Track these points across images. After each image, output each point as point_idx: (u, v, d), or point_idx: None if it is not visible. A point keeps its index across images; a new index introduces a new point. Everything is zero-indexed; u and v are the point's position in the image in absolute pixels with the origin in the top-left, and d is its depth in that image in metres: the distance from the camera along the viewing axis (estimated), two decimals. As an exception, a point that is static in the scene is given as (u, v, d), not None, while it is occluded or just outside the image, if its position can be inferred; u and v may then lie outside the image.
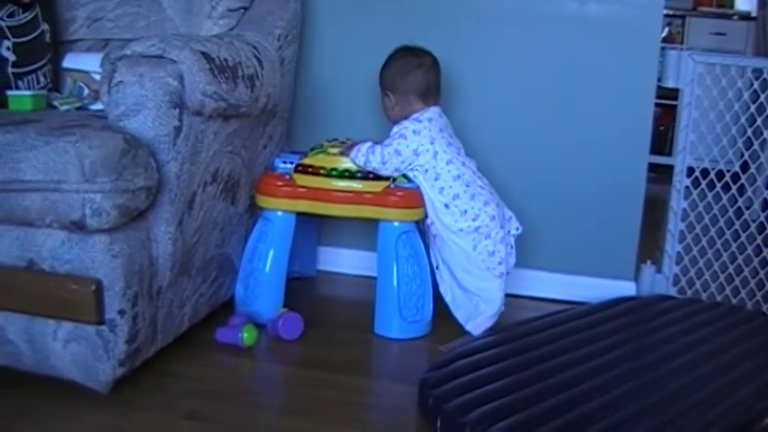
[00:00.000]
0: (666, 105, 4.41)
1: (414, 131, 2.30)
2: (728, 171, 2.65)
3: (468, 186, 2.29)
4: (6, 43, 2.37)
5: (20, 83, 2.39)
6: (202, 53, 1.97)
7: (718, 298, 2.63)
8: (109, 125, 1.85)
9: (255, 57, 2.24)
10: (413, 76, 2.36)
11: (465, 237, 2.28)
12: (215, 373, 2.06)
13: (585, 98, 2.64)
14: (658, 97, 2.70)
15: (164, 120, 1.87)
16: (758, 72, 2.70)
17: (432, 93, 2.38)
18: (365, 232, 2.48)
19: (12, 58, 2.39)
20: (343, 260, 2.85)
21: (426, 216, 2.32)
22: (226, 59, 2.05)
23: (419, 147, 2.29)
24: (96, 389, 1.86)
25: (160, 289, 1.96)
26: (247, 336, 2.16)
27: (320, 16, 2.78)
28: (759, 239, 2.63)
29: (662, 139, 5.04)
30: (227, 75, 2.04)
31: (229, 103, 2.06)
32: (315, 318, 2.37)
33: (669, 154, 2.54)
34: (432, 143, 2.29)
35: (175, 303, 2.06)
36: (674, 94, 2.61)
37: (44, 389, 1.89)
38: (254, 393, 2.04)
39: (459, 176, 2.29)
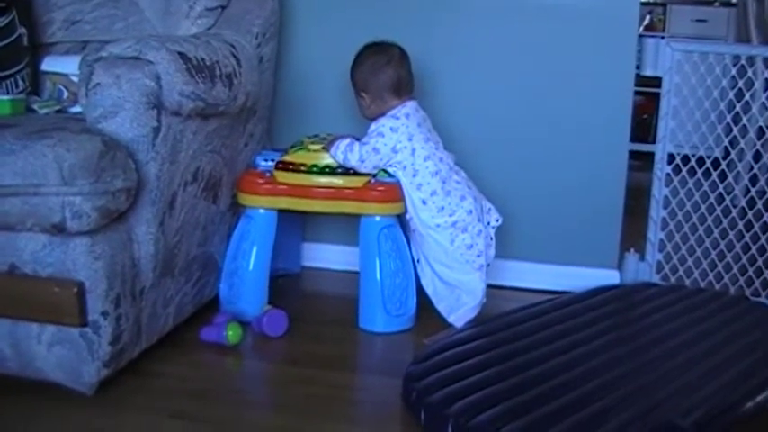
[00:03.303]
0: (649, 93, 4.41)
1: (391, 129, 2.30)
2: (709, 157, 2.66)
3: (444, 183, 2.30)
4: (-17, 48, 2.38)
5: (-2, 87, 2.40)
6: (179, 53, 1.97)
7: (702, 284, 2.64)
8: (87, 128, 1.85)
9: (233, 55, 2.24)
10: (383, 73, 2.35)
11: (442, 232, 2.29)
12: (200, 372, 2.06)
13: (565, 88, 2.65)
14: (641, 85, 2.72)
15: (142, 121, 1.88)
16: (736, 58, 2.71)
17: (404, 86, 2.38)
18: (348, 228, 2.48)
19: (-11, 62, 2.39)
20: (327, 256, 2.86)
21: (406, 211, 2.33)
22: (203, 59, 2.06)
23: (397, 144, 2.29)
24: (81, 390, 1.86)
25: (143, 289, 1.97)
26: (232, 334, 2.16)
27: (298, 13, 2.78)
28: (740, 225, 2.64)
29: (645, 127, 5.05)
30: (204, 74, 2.04)
31: (207, 102, 2.06)
32: (300, 314, 2.37)
33: (652, 142, 2.55)
34: (410, 140, 2.30)
35: (159, 303, 2.06)
36: (656, 82, 2.61)
37: (29, 392, 1.90)
38: (240, 391, 2.04)
39: (436, 173, 2.30)
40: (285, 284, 2.63)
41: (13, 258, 1.81)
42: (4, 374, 1.90)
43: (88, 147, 1.72)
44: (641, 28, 5.65)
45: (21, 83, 2.45)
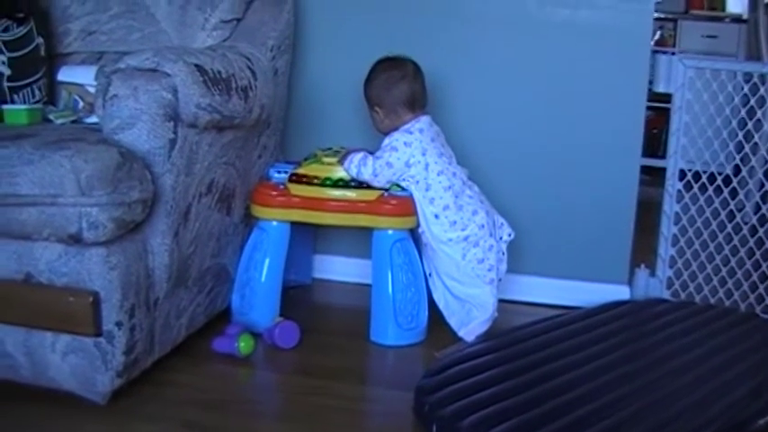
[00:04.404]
0: (660, 108, 4.42)
1: (405, 143, 2.31)
2: (720, 174, 2.67)
3: (457, 197, 2.31)
4: (1, 58, 2.39)
5: (15, 97, 2.41)
6: (196, 66, 1.99)
7: (712, 300, 2.64)
8: (104, 139, 1.87)
9: (249, 68, 2.25)
10: (398, 88, 2.36)
11: (454, 246, 2.30)
12: (212, 382, 2.07)
13: (577, 103, 2.66)
14: (652, 100, 2.72)
15: (158, 132, 1.89)
16: (748, 75, 2.71)
17: (418, 101, 2.39)
18: (360, 240, 2.49)
19: (7, 72, 2.41)
20: (338, 268, 2.86)
21: (418, 225, 2.33)
22: (219, 72, 2.07)
23: (410, 158, 2.30)
24: (95, 400, 1.87)
25: (157, 300, 1.98)
26: (244, 345, 2.17)
27: (313, 26, 2.79)
28: (751, 242, 2.64)
29: (656, 142, 5.05)
30: (220, 87, 2.05)
31: (223, 114, 2.08)
32: (311, 326, 2.38)
33: (663, 157, 2.55)
34: (423, 154, 2.31)
35: (172, 314, 2.07)
36: (667, 97, 2.62)
37: (43, 401, 1.91)
38: (252, 402, 2.05)
39: (449, 187, 2.30)
40: (296, 296, 2.64)
41: (29, 267, 1.82)
42: (19, 382, 1.91)
43: (105, 158, 1.74)
44: (652, 43, 5.65)
45: (37, 92, 2.47)
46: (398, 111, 2.37)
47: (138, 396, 1.95)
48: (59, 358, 1.84)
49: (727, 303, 2.63)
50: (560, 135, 2.68)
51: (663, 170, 2.67)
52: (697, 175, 2.66)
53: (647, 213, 2.80)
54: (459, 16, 2.70)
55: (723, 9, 5.90)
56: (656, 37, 5.77)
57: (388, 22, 2.74)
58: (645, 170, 2.72)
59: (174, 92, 1.91)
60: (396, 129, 2.36)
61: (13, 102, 2.39)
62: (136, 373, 1.94)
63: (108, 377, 1.84)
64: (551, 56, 2.66)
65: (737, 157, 2.75)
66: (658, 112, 4.71)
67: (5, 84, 2.40)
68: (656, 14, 5.52)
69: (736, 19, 5.62)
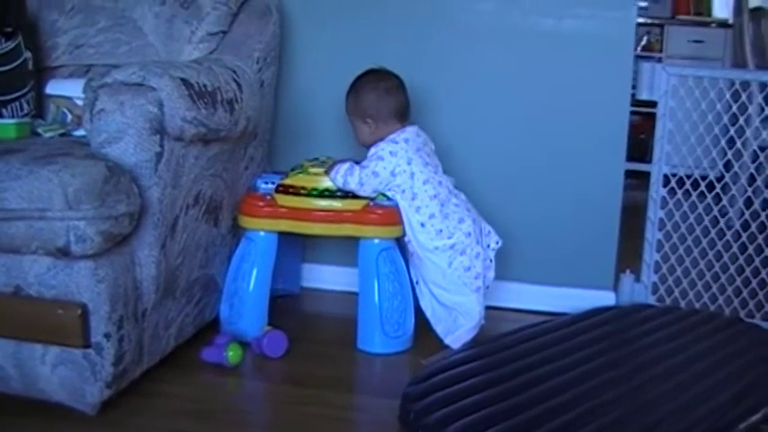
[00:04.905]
0: (646, 114, 4.44)
1: (391, 153, 2.33)
2: (704, 179, 2.69)
3: (443, 206, 2.33)
4: (-11, 72, 2.41)
5: (3, 111, 2.42)
6: (182, 80, 2.01)
7: (697, 305, 2.66)
8: (91, 153, 1.89)
9: (235, 81, 2.27)
10: (393, 98, 2.40)
11: (440, 254, 2.32)
12: (201, 392, 2.09)
13: (561, 111, 2.68)
14: (638, 105, 2.74)
15: (145, 146, 1.91)
16: (731, 82, 2.74)
17: (406, 111, 2.43)
18: (348, 249, 2.50)
19: (-5, 86, 2.42)
20: (326, 277, 2.88)
21: (404, 234, 2.35)
22: (205, 85, 2.09)
23: (396, 168, 2.32)
24: (85, 411, 1.89)
25: (145, 311, 2.00)
26: (232, 354, 2.19)
27: (299, 38, 2.81)
28: (735, 247, 2.67)
29: (642, 147, 5.06)
30: (206, 100, 2.07)
31: (209, 127, 2.10)
32: (299, 334, 2.40)
33: (649, 161, 2.58)
34: (408, 164, 2.33)
35: (161, 325, 2.09)
36: (653, 102, 2.65)
37: (33, 412, 1.92)
38: (241, 411, 2.07)
39: (435, 196, 2.32)
40: (285, 305, 2.65)
41: (18, 280, 1.84)
42: (9, 394, 1.93)
43: (93, 172, 1.76)
44: (639, 48, 5.69)
45: (26, 106, 2.49)
46: (390, 121, 2.39)
47: (127, 407, 1.97)
48: (49, 370, 1.86)
49: (712, 308, 2.65)
50: (545, 143, 2.70)
51: (649, 175, 2.68)
52: (681, 181, 2.68)
53: (634, 217, 2.82)
54: (444, 27, 2.73)
55: (709, 14, 5.95)
56: (643, 42, 5.81)
57: (374, 34, 2.76)
58: (632, 174, 2.74)
59: (160, 106, 1.94)
60: (381, 139, 2.38)
61: (1, 116, 2.41)
62: (125, 384, 1.96)
63: (97, 388, 1.86)
64: (536, 64, 2.68)
65: (721, 163, 2.78)
66: (645, 117, 4.74)
67: (-6, 98, 2.42)
68: (642, 20, 5.60)
69: (722, 24, 5.66)
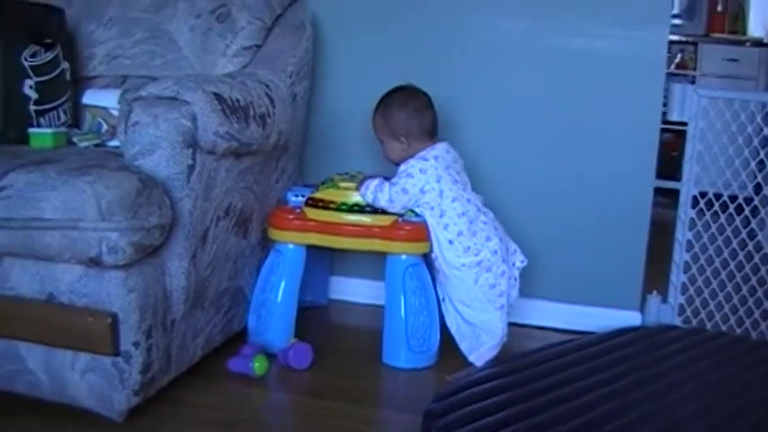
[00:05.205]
0: (678, 131, 4.43)
1: (420, 170, 2.35)
2: (733, 201, 2.68)
3: (471, 223, 2.34)
4: (29, 82, 2.44)
5: (41, 120, 2.47)
6: (215, 94, 2.04)
7: (723, 328, 2.66)
8: (125, 165, 1.92)
9: (267, 95, 2.30)
10: (427, 115, 2.42)
11: (467, 271, 2.33)
12: (227, 402, 2.11)
13: (591, 131, 2.69)
14: (670, 123, 2.73)
15: (177, 159, 1.95)
16: (762, 104, 2.73)
17: (435, 128, 2.45)
18: (375, 263, 2.52)
19: (34, 96, 2.46)
20: (354, 289, 2.91)
21: (432, 250, 2.37)
22: (237, 100, 2.12)
23: (425, 185, 2.34)
24: (112, 418, 1.92)
25: (174, 321, 2.03)
26: (258, 365, 2.21)
27: (330, 52, 2.84)
28: (763, 270, 2.66)
29: (674, 165, 5.05)
30: (238, 115, 2.10)
31: (241, 142, 2.13)
32: (325, 347, 2.42)
33: (680, 180, 2.59)
34: (438, 181, 2.34)
35: (189, 334, 2.12)
36: (684, 121, 2.65)
37: (62, 417, 1.95)
38: (265, 422, 2.09)
39: (463, 213, 2.34)
40: (312, 316, 2.68)
41: (51, 288, 1.88)
42: (39, 399, 1.96)
43: (126, 184, 1.79)
44: (672, 66, 5.65)
45: (62, 116, 2.53)
46: (424, 138, 2.41)
47: (154, 414, 2.00)
48: (78, 376, 1.89)
49: (738, 331, 2.64)
50: (574, 162, 2.71)
51: (679, 193, 2.69)
52: (710, 203, 2.68)
53: (663, 236, 2.81)
54: (476, 45, 2.75)
55: (744, 33, 5.90)
56: (677, 60, 5.77)
57: (405, 49, 2.79)
58: (662, 192, 2.73)
59: (194, 120, 1.97)
60: (411, 156, 2.40)
61: (39, 125, 2.45)
62: (152, 392, 1.99)
63: (125, 395, 1.89)
64: (566, 83, 2.69)
65: (750, 186, 2.77)
66: (677, 135, 4.72)
67: (32, 107, 2.45)
68: (676, 38, 5.57)
69: (757, 43, 5.62)
